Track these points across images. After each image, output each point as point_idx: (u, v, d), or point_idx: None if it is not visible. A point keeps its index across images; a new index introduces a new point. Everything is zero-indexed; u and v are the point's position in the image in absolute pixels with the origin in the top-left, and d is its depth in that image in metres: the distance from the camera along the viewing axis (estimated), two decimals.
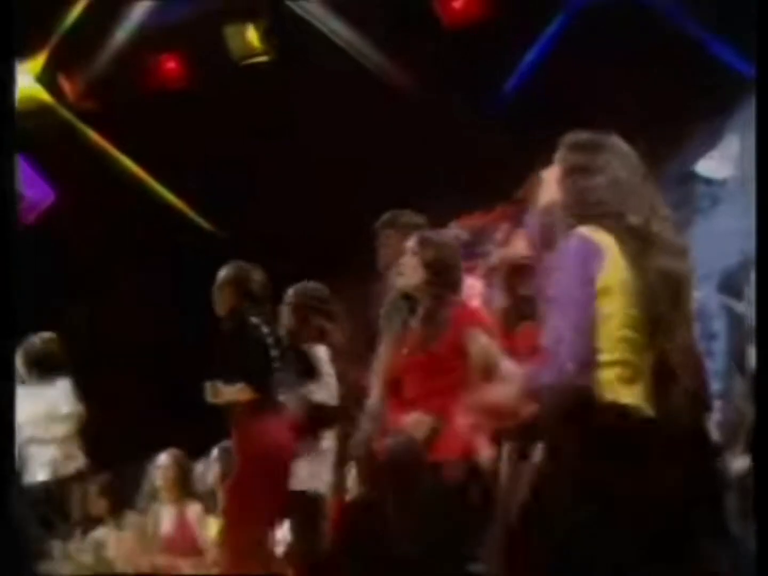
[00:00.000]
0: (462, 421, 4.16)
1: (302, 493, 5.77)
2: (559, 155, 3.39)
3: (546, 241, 3.50)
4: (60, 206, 10.11)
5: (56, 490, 7.21)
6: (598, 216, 3.25)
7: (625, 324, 3.14)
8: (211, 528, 6.94)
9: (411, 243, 4.81)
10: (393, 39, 9.22)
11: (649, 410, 3.13)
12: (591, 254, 3.18)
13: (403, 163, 8.82)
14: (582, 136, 3.41)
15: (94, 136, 9.93)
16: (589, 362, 3.06)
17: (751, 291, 5.83)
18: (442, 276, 4.69)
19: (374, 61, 9.25)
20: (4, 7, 4.10)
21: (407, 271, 4.77)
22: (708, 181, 7.69)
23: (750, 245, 6.56)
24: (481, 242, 5.89)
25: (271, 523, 5.73)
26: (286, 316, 6.07)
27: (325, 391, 5.92)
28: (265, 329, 5.69)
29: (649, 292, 3.21)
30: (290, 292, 6.11)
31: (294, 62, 9.44)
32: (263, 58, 9.49)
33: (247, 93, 9.50)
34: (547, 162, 6.05)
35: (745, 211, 7.33)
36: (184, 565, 6.88)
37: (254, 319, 5.68)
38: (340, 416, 5.92)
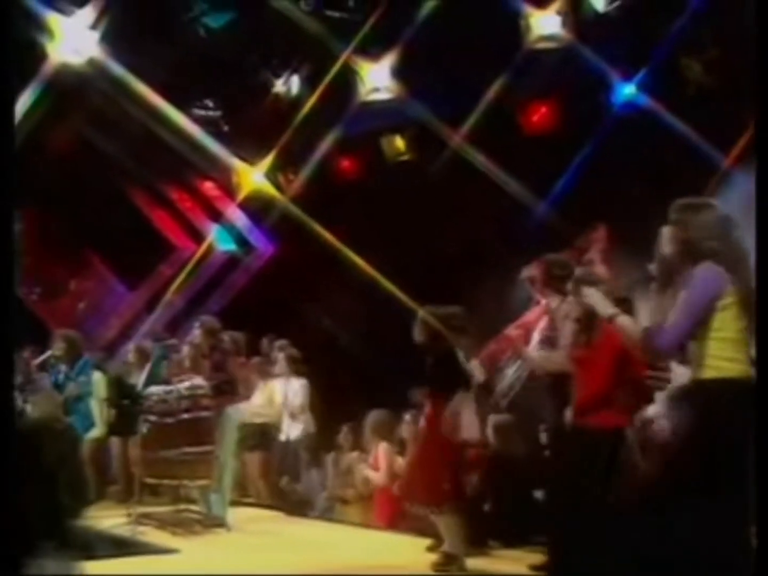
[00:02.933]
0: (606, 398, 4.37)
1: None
2: (669, 218, 3.50)
3: (667, 279, 3.59)
4: (279, 255, 11.11)
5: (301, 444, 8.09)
6: (709, 254, 3.35)
7: (737, 328, 3.34)
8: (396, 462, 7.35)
9: (570, 286, 4.72)
10: (488, 142, 9.48)
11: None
12: (718, 281, 3.33)
13: (500, 227, 9.43)
14: (682, 201, 3.53)
15: (299, 212, 10.45)
16: (680, 348, 3.33)
17: None
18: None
19: (476, 158, 9.49)
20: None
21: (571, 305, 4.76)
22: None
23: None
24: None
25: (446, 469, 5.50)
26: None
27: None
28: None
29: (745, 303, 3.34)
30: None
31: (427, 157, 10.09)
32: (407, 158, 10.39)
33: (398, 179, 10.25)
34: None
35: None
36: (375, 477, 7.46)
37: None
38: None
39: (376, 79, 9.32)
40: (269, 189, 10.83)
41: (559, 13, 8.54)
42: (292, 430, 8.07)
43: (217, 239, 11.53)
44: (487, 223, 9.58)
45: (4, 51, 3.15)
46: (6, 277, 2.94)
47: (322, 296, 10.44)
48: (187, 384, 6.76)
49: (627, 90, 9.14)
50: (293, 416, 8.05)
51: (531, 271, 6.18)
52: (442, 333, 5.47)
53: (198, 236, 11.47)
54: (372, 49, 9.14)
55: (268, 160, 10.56)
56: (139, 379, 7.44)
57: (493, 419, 5.97)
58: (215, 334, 7.07)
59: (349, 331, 10.22)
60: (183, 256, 11.17)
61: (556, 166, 9.24)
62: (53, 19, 8.28)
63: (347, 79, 9.35)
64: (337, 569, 5.59)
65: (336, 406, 8.43)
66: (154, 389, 6.86)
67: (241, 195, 11.02)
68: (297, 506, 7.76)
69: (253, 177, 10.81)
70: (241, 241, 11.53)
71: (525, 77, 9.14)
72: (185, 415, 6.63)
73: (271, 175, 10.79)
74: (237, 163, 10.70)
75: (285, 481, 7.93)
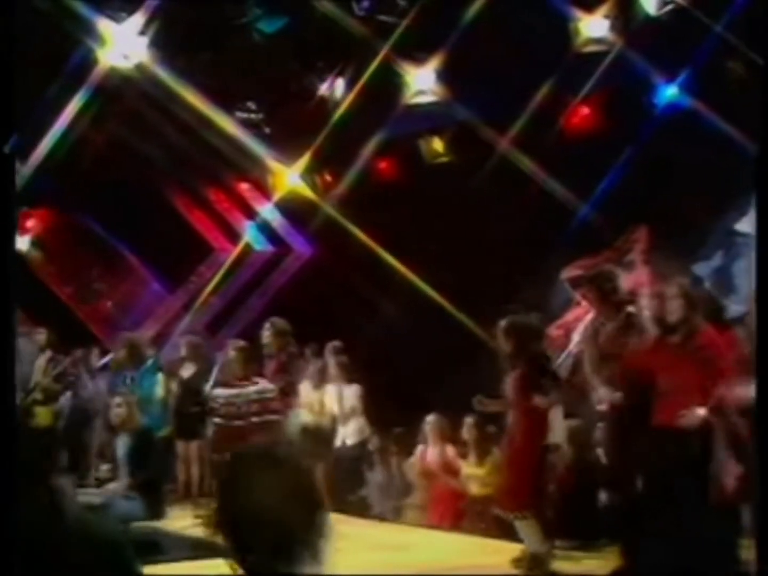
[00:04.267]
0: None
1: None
2: None
3: None
4: (316, 255, 11.30)
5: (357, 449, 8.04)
6: None
7: None
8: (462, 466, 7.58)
9: (673, 288, 4.76)
10: (530, 144, 9.65)
11: None
12: None
13: (538, 229, 9.61)
14: None
15: (333, 212, 10.74)
16: None
17: None
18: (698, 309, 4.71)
19: (518, 159, 9.67)
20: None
21: (673, 308, 4.75)
22: (743, 235, 8.68)
23: None
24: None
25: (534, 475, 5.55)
26: None
27: None
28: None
29: None
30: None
31: (466, 159, 10.34)
32: (445, 159, 10.67)
33: (436, 181, 10.45)
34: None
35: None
36: (443, 479, 7.61)
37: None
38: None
39: (422, 82, 9.52)
40: (305, 190, 10.99)
41: (607, 16, 8.69)
42: (347, 436, 8.08)
43: (252, 239, 11.61)
44: (527, 224, 9.71)
45: (4, 53, 3.08)
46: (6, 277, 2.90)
47: (358, 298, 10.56)
48: (255, 387, 6.90)
49: (670, 91, 9.34)
50: (346, 421, 8.05)
51: (571, 272, 6.27)
52: (530, 340, 5.61)
53: (235, 237, 11.64)
54: (418, 53, 9.28)
55: (303, 161, 10.71)
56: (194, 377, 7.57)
57: (567, 424, 6.07)
58: (285, 336, 7.05)
59: (389, 333, 10.34)
60: (221, 258, 11.36)
61: (598, 167, 9.37)
62: (104, 25, 8.44)
63: (392, 82, 9.56)
64: (406, 570, 5.67)
65: (382, 410, 8.47)
66: (219, 392, 7.03)
67: (277, 196, 11.17)
68: (360, 509, 7.84)
69: (289, 178, 10.95)
70: (277, 241, 11.63)
71: (569, 79, 9.34)
72: (255, 419, 6.75)
73: (306, 176, 10.96)
74: (274, 165, 10.85)
75: (345, 486, 7.97)
